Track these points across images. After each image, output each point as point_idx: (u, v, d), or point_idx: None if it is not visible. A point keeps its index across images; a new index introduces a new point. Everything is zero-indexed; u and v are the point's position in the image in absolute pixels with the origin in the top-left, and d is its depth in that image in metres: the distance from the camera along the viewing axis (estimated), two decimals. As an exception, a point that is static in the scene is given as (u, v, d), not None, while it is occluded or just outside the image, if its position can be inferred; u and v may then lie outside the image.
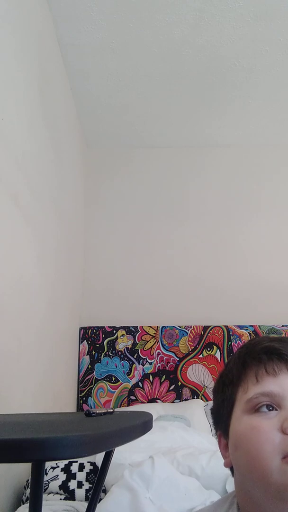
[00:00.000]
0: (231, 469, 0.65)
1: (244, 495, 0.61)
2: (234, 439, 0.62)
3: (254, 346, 0.65)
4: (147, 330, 2.75)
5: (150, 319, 2.79)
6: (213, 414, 0.70)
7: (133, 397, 2.64)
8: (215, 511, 0.67)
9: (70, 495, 1.46)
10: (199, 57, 2.31)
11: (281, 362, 0.62)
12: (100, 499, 1.27)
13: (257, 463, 0.56)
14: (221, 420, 0.67)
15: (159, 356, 2.70)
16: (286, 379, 0.60)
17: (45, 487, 1.48)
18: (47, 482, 1.50)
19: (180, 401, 2.60)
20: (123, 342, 2.73)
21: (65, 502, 1.42)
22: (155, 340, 2.73)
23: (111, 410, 0.98)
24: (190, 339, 2.72)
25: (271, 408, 0.59)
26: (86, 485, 1.49)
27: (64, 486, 1.48)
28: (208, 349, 2.70)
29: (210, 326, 2.74)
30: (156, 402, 2.62)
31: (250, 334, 2.70)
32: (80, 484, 1.49)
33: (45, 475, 1.37)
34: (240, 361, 0.66)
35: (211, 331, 2.72)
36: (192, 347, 2.70)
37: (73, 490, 1.48)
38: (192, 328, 2.74)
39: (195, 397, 2.62)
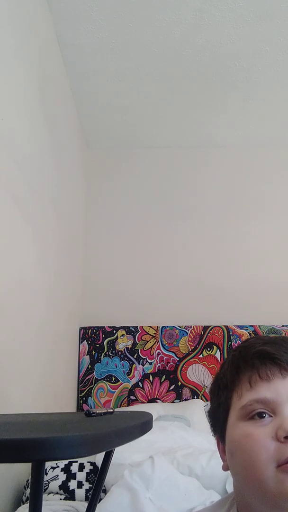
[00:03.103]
0: None
1: (241, 500, 0.61)
2: (229, 445, 0.61)
3: (247, 350, 0.64)
4: (147, 330, 2.75)
5: (150, 319, 2.79)
6: (210, 418, 0.69)
7: (133, 397, 2.64)
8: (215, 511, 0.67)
9: (70, 495, 1.46)
10: (199, 57, 2.31)
11: (274, 367, 0.60)
12: (100, 499, 1.27)
13: (252, 471, 0.55)
14: (217, 425, 0.66)
15: (159, 356, 2.70)
16: (280, 384, 0.59)
17: (45, 487, 1.48)
18: (47, 482, 1.50)
19: (180, 401, 2.60)
20: (123, 342, 2.73)
21: (65, 502, 1.42)
22: (155, 340, 2.73)
23: (111, 410, 0.98)
24: (190, 339, 2.72)
25: (265, 415, 0.58)
26: (86, 485, 1.49)
27: (64, 486, 1.48)
28: (208, 349, 2.70)
29: (210, 326, 2.74)
30: (156, 402, 2.62)
31: (250, 334, 2.70)
32: (80, 484, 1.49)
33: (45, 475, 1.37)
34: (233, 365, 0.65)
35: (211, 331, 2.72)
36: (192, 347, 2.70)
37: (73, 490, 1.48)
38: (192, 328, 2.74)
39: (195, 397, 2.62)
